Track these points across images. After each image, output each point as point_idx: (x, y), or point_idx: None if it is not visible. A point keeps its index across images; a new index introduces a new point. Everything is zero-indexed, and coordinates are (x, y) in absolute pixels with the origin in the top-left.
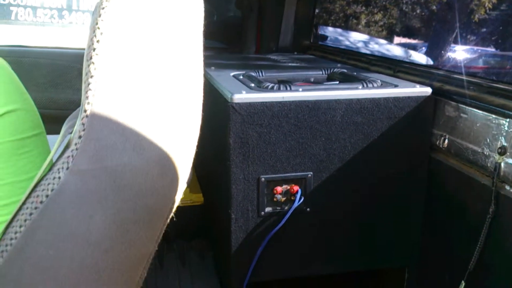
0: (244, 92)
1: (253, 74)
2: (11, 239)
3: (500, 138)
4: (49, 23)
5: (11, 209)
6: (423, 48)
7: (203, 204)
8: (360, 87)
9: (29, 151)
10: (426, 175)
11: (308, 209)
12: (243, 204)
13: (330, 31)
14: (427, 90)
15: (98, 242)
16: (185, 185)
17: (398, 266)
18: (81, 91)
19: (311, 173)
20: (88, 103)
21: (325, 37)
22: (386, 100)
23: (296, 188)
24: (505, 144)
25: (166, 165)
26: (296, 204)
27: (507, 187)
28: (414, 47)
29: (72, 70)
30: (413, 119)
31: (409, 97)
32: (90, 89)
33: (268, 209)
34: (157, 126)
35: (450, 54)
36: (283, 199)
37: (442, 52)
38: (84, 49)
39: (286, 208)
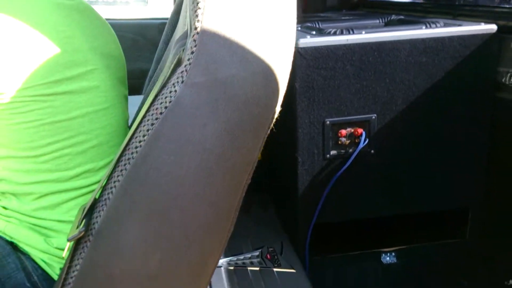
0: (308, 37)
1: (310, 25)
2: (136, 147)
3: None
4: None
5: (54, 148)
6: None
7: (260, 160)
8: (424, 27)
9: (67, 92)
10: (491, 114)
11: (372, 151)
12: (309, 147)
13: None
14: (492, 27)
15: (211, 148)
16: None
17: (462, 207)
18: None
19: (375, 115)
20: (198, 20)
21: None
22: (451, 39)
23: (360, 130)
24: None
25: (268, 76)
26: (360, 146)
27: None
28: None
29: (125, 40)
30: (479, 57)
31: (474, 35)
32: (199, 8)
33: (333, 152)
34: (259, 41)
35: None
36: (348, 141)
37: None
38: (130, 19)
39: (351, 150)
